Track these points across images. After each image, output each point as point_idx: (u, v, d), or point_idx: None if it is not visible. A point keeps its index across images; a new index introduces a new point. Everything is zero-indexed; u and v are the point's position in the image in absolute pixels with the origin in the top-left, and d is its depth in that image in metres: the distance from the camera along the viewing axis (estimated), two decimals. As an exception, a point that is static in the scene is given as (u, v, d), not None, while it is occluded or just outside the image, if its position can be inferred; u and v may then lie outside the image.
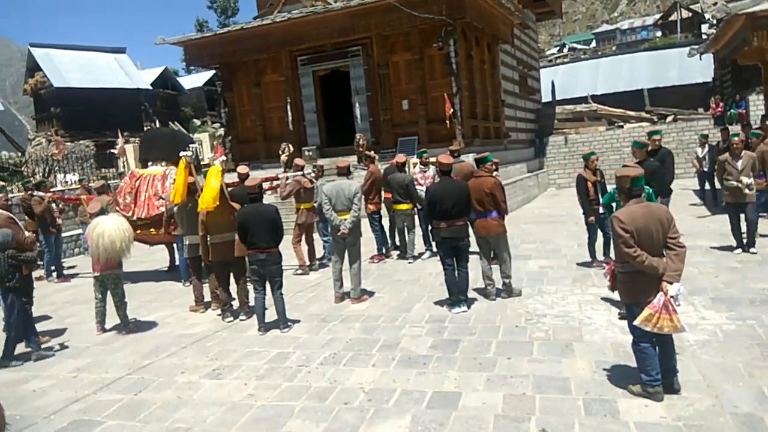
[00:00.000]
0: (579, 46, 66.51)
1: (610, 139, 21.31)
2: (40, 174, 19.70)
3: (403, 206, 9.24)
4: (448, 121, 14.51)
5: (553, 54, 60.45)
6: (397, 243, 9.89)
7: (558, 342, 5.25)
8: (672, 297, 3.85)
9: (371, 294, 7.44)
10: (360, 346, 5.56)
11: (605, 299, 6.40)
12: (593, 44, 70.86)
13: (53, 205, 10.79)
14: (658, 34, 60.84)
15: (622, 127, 22.31)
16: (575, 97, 27.41)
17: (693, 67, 25.77)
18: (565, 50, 64.85)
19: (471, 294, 6.83)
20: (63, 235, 11.87)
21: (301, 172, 9.26)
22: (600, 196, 7.49)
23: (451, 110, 14.51)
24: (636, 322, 3.93)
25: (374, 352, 5.39)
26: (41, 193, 10.51)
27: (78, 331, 6.97)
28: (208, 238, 6.84)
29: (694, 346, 4.86)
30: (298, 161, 9.94)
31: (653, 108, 24.60)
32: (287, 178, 9.44)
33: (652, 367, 3.95)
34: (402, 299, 7.16)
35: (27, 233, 7.16)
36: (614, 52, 47.06)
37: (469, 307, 6.43)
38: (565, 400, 4.09)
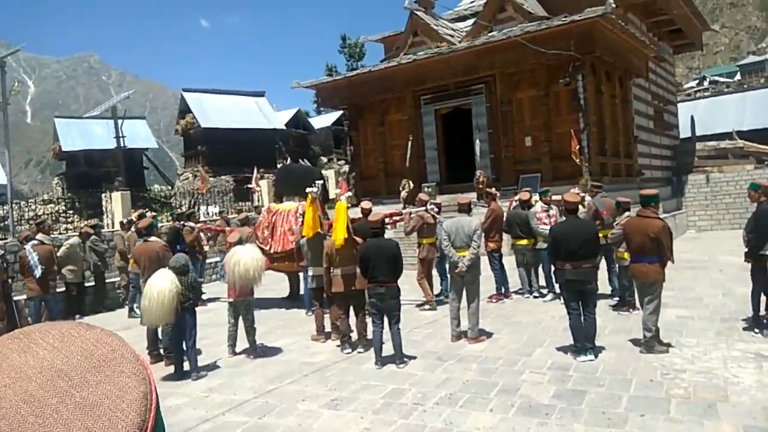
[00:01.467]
0: (721, 79, 61.60)
1: (759, 179, 19.29)
2: (187, 206, 21.70)
3: (524, 241, 9.27)
4: (575, 158, 13.99)
5: (692, 87, 56.48)
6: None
7: (699, 401, 4.74)
8: None
9: (489, 335, 7.24)
10: (477, 389, 5.41)
11: (756, 356, 5.70)
12: (737, 77, 65.39)
13: (201, 234, 11.87)
14: (817, 63, 54.66)
15: (774, 165, 20.15)
16: (718, 133, 25.27)
17: None
18: (706, 83, 60.41)
19: (600, 342, 6.41)
20: (206, 261, 13.00)
21: (424, 207, 9.35)
22: None
23: (578, 147, 13.99)
24: None
25: (492, 396, 5.20)
26: (192, 224, 11.60)
27: (211, 352, 7.46)
28: (331, 271, 7.08)
29: None
30: (422, 196, 10.10)
31: (810, 145, 21.97)
32: (411, 214, 9.58)
33: None
34: (522, 342, 6.89)
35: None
36: (763, 84, 42.94)
37: (596, 356, 6.02)
38: (709, 468, 3.66)
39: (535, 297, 9.26)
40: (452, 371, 6.00)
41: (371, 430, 4.65)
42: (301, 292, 10.27)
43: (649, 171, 19.27)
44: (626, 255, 7.89)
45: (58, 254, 10.40)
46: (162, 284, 6.03)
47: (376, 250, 6.40)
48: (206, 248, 12.55)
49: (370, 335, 6.80)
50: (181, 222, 11.66)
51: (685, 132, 23.85)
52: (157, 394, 0.54)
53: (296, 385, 5.96)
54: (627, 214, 7.99)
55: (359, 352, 6.93)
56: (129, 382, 0.53)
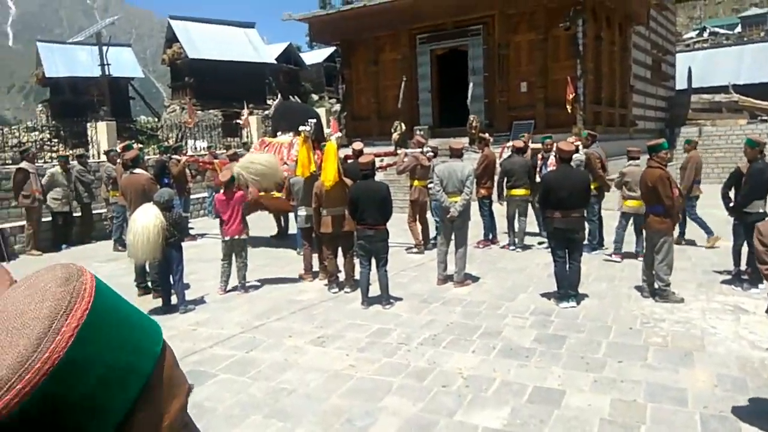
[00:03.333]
0: (721, 31, 60.48)
1: (752, 135, 19.29)
2: (174, 139, 21.35)
3: (521, 191, 8.92)
4: (568, 106, 13.84)
5: (692, 38, 55.48)
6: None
7: (676, 349, 4.89)
8: None
9: (475, 279, 7.34)
10: (460, 331, 5.52)
11: (734, 309, 5.86)
12: (738, 29, 64.28)
13: (187, 169, 11.73)
14: (819, 18, 53.72)
15: (766, 121, 20.12)
16: (714, 86, 25.02)
17: None
18: (706, 34, 59.33)
19: (586, 290, 6.54)
20: (190, 197, 12.89)
21: (420, 150, 9.21)
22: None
23: (573, 95, 13.82)
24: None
25: (474, 338, 5.32)
26: (178, 156, 11.43)
27: (199, 287, 7.50)
28: (321, 211, 7.06)
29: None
30: (418, 137, 9.95)
31: (806, 102, 21.88)
32: (405, 154, 9.45)
33: None
34: (506, 287, 7.00)
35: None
36: (762, 38, 42.25)
37: (578, 303, 6.15)
38: (680, 412, 3.80)
39: (517, 252, 8.93)
40: (437, 313, 6.10)
41: (356, 367, 4.75)
42: (292, 231, 10.25)
43: (643, 122, 19.19)
44: (627, 203, 8.03)
45: (42, 183, 10.27)
46: (146, 219, 5.96)
47: (365, 192, 6.36)
48: (191, 184, 12.43)
49: (357, 276, 6.86)
50: (168, 155, 11.48)
51: (681, 83, 23.61)
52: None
53: (283, 321, 6.04)
54: (630, 162, 8.13)
55: (346, 292, 7.01)
56: (58, 291, 0.50)
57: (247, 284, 7.28)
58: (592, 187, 8.21)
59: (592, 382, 4.30)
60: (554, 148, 7.51)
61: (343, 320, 5.99)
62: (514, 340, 5.24)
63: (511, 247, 9.16)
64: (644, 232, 6.45)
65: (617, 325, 5.52)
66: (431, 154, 9.22)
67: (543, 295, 6.55)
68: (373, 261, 6.48)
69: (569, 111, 13.88)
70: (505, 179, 9.08)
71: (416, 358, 4.89)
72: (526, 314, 5.95)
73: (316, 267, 7.78)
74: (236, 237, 7.10)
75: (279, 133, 10.41)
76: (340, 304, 6.59)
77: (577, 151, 8.15)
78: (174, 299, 6.60)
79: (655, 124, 20.66)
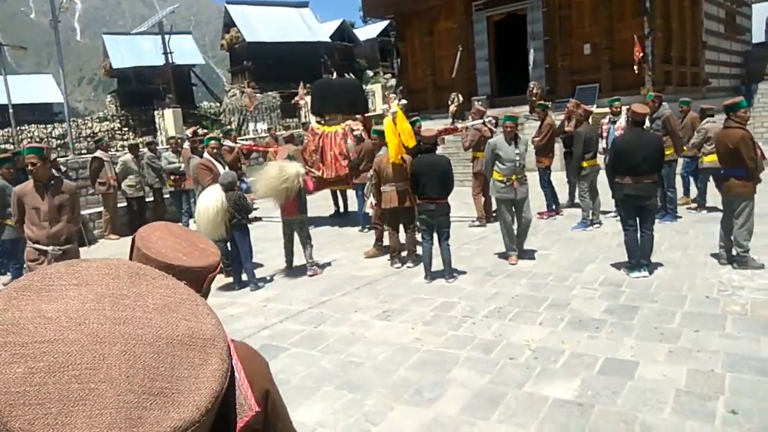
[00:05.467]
0: (807, -26, 55.62)
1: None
2: (236, 123, 21.88)
3: (597, 161, 8.43)
4: (636, 67, 13.19)
5: (771, -15, 51.32)
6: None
7: (757, 318, 4.66)
8: None
9: (531, 253, 7.19)
10: (526, 303, 5.46)
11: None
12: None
13: (242, 154, 11.94)
14: None
15: None
16: (797, 36, 23.19)
17: None
18: (788, -21, 54.65)
19: (659, 258, 6.31)
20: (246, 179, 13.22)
21: (481, 120, 9.01)
22: None
23: (641, 54, 13.14)
24: None
25: (541, 310, 5.25)
26: (230, 143, 11.30)
27: (267, 266, 7.73)
28: (383, 187, 7.07)
29: None
30: (478, 107, 9.72)
31: None
32: (467, 128, 9.26)
33: None
34: (573, 258, 6.84)
35: None
36: None
37: (651, 273, 5.93)
38: (762, 382, 3.64)
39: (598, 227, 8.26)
40: (501, 286, 6.05)
41: (422, 340, 4.80)
42: (354, 209, 10.33)
43: (717, 79, 18.06)
44: (704, 158, 7.82)
45: (116, 170, 10.80)
46: (208, 200, 6.28)
47: (428, 167, 6.32)
48: (245, 166, 12.68)
49: (419, 251, 6.87)
50: (220, 143, 11.56)
51: (758, 37, 22.01)
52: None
53: (348, 297, 6.16)
54: (707, 119, 7.88)
55: (409, 267, 7.05)
56: (169, 281, 0.54)
57: (315, 262, 7.41)
58: (666, 152, 7.85)
59: (667, 352, 4.17)
60: (624, 112, 7.22)
61: (407, 294, 6.04)
62: (584, 311, 5.13)
63: (589, 228, 8.21)
64: (722, 197, 6.11)
65: (693, 294, 5.31)
66: (492, 122, 8.99)
67: (613, 265, 6.36)
68: (435, 235, 6.47)
69: (636, 72, 13.23)
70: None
71: (482, 330, 4.89)
72: (595, 285, 5.81)
73: (386, 242, 7.80)
74: (294, 216, 7.24)
75: (327, 118, 10.07)
76: (404, 279, 6.64)
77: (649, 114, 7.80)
78: (244, 277, 6.84)
79: (730, 82, 19.41)
